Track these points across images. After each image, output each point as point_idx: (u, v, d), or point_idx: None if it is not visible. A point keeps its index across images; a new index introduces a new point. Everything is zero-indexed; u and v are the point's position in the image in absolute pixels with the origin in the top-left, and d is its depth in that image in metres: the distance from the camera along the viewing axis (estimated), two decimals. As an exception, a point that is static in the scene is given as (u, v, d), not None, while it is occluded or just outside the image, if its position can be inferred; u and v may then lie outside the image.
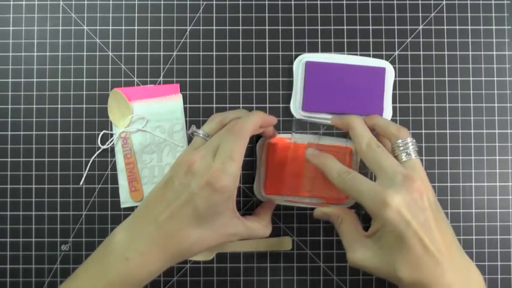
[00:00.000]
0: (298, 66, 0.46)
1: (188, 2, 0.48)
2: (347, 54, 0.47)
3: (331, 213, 0.40)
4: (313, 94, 0.46)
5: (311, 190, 0.43)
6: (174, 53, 0.47)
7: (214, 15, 0.48)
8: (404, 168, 0.36)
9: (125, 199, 0.46)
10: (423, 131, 0.47)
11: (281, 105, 0.47)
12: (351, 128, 0.40)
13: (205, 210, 0.36)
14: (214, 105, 0.47)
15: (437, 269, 0.34)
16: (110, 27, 0.47)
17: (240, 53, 0.47)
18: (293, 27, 0.47)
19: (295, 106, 0.46)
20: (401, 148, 0.38)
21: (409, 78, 0.47)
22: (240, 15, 0.48)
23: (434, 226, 0.34)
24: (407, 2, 0.48)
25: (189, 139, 0.47)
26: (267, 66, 0.47)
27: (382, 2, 0.48)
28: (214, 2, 0.48)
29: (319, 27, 0.47)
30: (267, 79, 0.47)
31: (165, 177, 0.38)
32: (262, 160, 0.45)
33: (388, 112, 0.46)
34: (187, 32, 0.47)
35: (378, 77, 0.46)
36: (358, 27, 0.47)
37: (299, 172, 0.43)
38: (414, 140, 0.38)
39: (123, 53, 0.47)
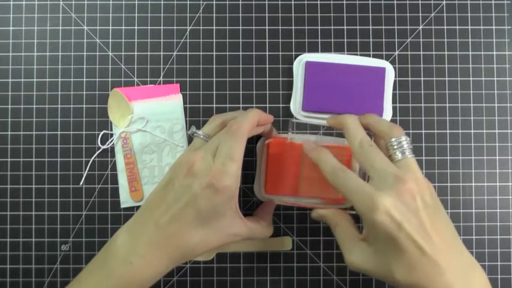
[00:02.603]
0: (298, 66, 0.46)
1: (188, 2, 0.48)
2: (347, 54, 0.47)
3: (327, 216, 0.40)
4: (313, 94, 0.46)
5: (307, 191, 0.43)
6: (174, 53, 0.47)
7: (214, 15, 0.48)
8: (398, 168, 0.35)
9: (125, 199, 0.46)
10: (423, 131, 0.47)
11: (281, 105, 0.47)
12: (344, 128, 0.39)
13: (208, 211, 0.35)
14: (214, 105, 0.47)
15: (435, 270, 0.33)
16: (110, 27, 0.47)
17: (240, 53, 0.47)
18: (293, 27, 0.47)
19: (295, 106, 0.46)
20: (395, 147, 0.37)
21: (409, 78, 0.47)
22: (240, 15, 0.48)
23: (429, 227, 0.33)
24: (407, 2, 0.48)
25: (189, 139, 0.47)
26: (267, 66, 0.47)
27: (382, 2, 0.48)
28: (214, 2, 0.48)
29: (319, 27, 0.47)
30: (267, 79, 0.47)
31: (165, 178, 0.38)
32: (263, 160, 0.45)
33: (388, 112, 0.46)
34: (187, 32, 0.47)
35: (378, 76, 0.46)
36: (358, 27, 0.47)
37: (299, 172, 0.43)
38: (409, 138, 0.37)
39: (123, 53, 0.47)
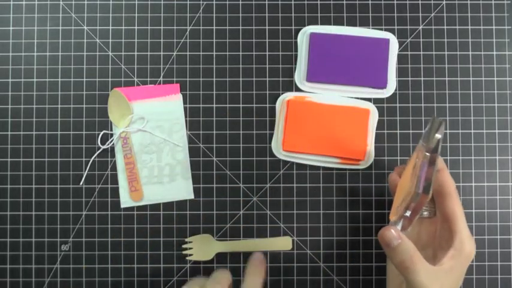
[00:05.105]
0: (303, 38, 0.47)
1: (188, 2, 0.48)
2: (350, 26, 0.47)
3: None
4: (317, 65, 0.46)
5: (326, 150, 0.45)
6: (174, 53, 0.47)
7: (214, 15, 0.48)
8: None
9: (125, 199, 0.46)
10: (423, 131, 0.47)
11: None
12: (452, 216, 0.38)
13: None
14: (214, 105, 0.47)
15: None
16: (110, 27, 0.47)
17: (240, 53, 0.47)
18: (293, 27, 0.47)
19: (300, 77, 0.47)
20: None
21: (409, 78, 0.47)
22: (240, 15, 0.48)
23: None
24: (407, 2, 0.48)
25: (189, 139, 0.47)
26: (267, 66, 0.47)
27: (382, 2, 0.48)
28: (214, 2, 0.48)
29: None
30: (267, 79, 0.47)
31: None
32: (281, 117, 0.46)
33: (391, 84, 0.46)
34: (187, 32, 0.47)
35: (382, 48, 0.46)
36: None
37: (318, 131, 0.45)
38: None
39: (123, 53, 0.47)
